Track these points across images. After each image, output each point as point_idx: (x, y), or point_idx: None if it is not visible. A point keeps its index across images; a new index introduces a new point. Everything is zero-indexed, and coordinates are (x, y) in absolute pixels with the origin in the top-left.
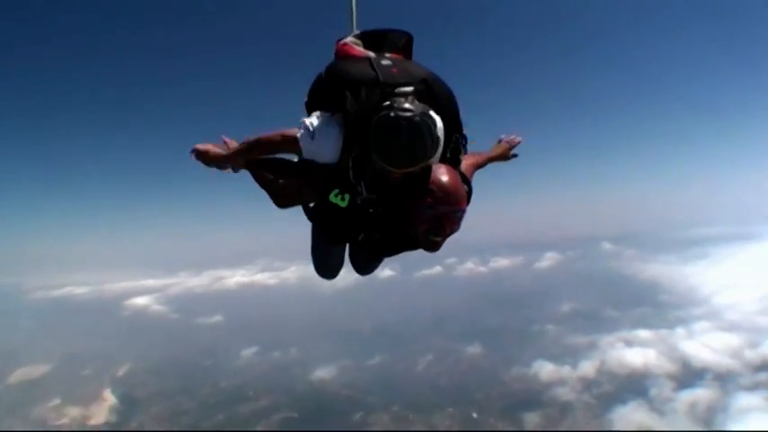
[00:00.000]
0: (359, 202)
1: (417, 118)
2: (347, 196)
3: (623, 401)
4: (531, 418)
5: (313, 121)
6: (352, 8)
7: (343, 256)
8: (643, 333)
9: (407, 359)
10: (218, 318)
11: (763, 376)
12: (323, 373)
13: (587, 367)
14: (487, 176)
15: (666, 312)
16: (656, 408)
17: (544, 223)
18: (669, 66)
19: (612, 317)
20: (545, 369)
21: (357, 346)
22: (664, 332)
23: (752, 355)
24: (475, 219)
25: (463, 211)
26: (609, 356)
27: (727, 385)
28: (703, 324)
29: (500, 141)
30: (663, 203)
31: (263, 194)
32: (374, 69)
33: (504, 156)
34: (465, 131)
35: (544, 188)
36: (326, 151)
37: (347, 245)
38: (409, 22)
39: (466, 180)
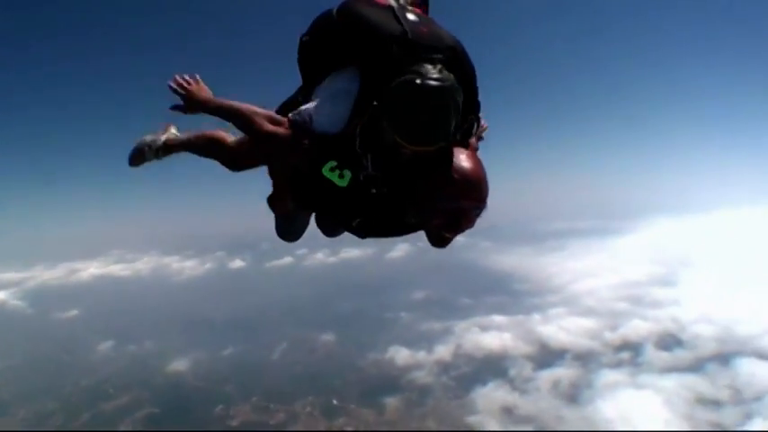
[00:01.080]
0: (361, 179)
1: (448, 91)
2: (347, 173)
3: (483, 382)
4: (392, 402)
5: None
6: None
7: (308, 219)
8: (498, 318)
9: (262, 348)
10: (74, 312)
11: (624, 355)
12: (179, 365)
13: (443, 351)
14: None
15: (522, 300)
16: (518, 387)
17: None
18: (536, 60)
19: (467, 304)
20: (401, 354)
21: (211, 337)
22: (520, 317)
23: (612, 336)
24: None
25: (484, 209)
26: (465, 340)
27: (588, 364)
28: (559, 310)
29: None
30: (519, 198)
31: (117, 183)
32: (400, 23)
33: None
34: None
35: None
36: (336, 116)
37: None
38: None
39: None
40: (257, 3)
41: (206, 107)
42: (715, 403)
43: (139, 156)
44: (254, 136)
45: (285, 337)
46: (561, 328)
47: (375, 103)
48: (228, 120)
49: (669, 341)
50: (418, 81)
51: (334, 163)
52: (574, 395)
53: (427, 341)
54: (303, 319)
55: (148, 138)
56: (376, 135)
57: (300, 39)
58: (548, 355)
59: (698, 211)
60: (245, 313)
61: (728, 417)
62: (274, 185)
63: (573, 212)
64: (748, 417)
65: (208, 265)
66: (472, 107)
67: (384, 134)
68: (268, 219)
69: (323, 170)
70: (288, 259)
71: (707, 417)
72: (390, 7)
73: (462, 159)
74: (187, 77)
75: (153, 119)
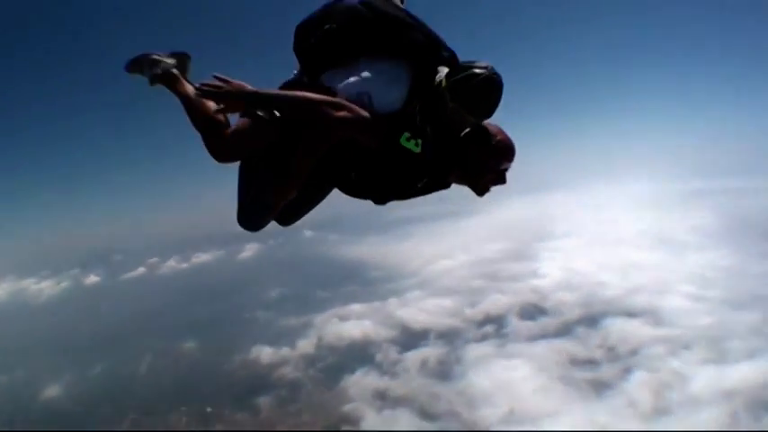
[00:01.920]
0: (427, 147)
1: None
2: (420, 141)
3: (351, 370)
4: (265, 402)
5: (378, 68)
6: None
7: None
8: (356, 307)
9: (128, 364)
10: None
11: (488, 328)
12: (51, 391)
13: (306, 345)
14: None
15: (377, 287)
16: (387, 370)
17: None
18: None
19: (322, 297)
20: (264, 352)
21: (78, 358)
22: (377, 304)
23: (473, 312)
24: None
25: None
26: (326, 332)
27: (454, 341)
28: (417, 293)
29: None
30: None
31: None
32: (422, 25)
33: None
34: None
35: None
36: (394, 97)
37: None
38: None
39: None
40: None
41: (250, 98)
42: (590, 362)
43: (137, 66)
44: (326, 122)
45: (149, 349)
46: (421, 310)
47: (433, 87)
48: (282, 109)
49: (532, 311)
50: (495, 76)
51: (408, 134)
52: (444, 372)
53: (288, 337)
54: (163, 329)
55: (160, 56)
56: (432, 112)
57: (324, 28)
58: (411, 337)
59: (548, 190)
60: (107, 329)
61: (606, 374)
62: (292, 176)
63: (415, 200)
64: (627, 371)
65: (64, 284)
66: None
67: (440, 111)
68: (115, 229)
69: (401, 140)
70: (141, 270)
71: (584, 376)
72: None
73: (498, 129)
74: (222, 76)
75: None
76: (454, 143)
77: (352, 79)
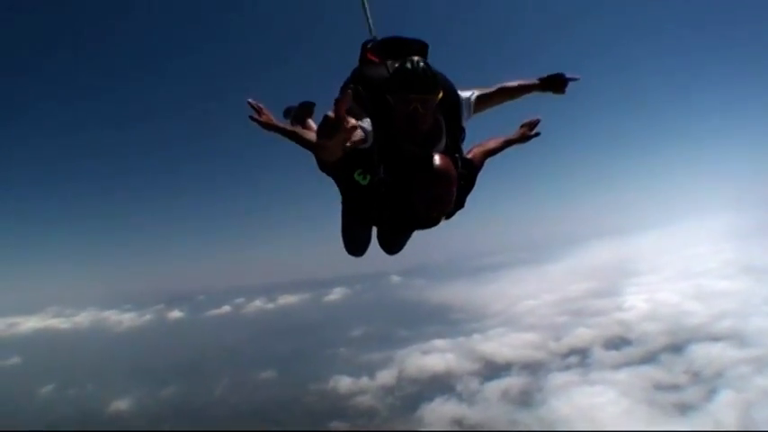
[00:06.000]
0: (375, 181)
1: (422, 61)
2: (368, 176)
3: (429, 399)
4: (340, 427)
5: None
6: (366, 12)
7: (369, 235)
8: (439, 342)
9: (203, 388)
10: (15, 360)
11: (572, 359)
12: (120, 404)
13: (386, 376)
14: None
15: (461, 326)
16: (466, 399)
17: (330, 260)
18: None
19: (406, 335)
20: (343, 383)
21: (151, 380)
22: (461, 339)
23: (557, 345)
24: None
25: (452, 192)
26: (407, 365)
27: (537, 372)
28: (500, 330)
29: (522, 126)
30: (447, 236)
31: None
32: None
33: (524, 137)
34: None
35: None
36: (369, 132)
37: (373, 226)
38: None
39: (468, 164)
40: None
41: (278, 131)
42: (675, 387)
43: (288, 114)
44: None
45: (226, 376)
46: (504, 344)
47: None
48: (295, 140)
49: (617, 342)
50: (408, 64)
51: (360, 170)
52: (525, 400)
53: (369, 369)
54: (243, 360)
55: (295, 109)
56: (389, 151)
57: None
58: (494, 369)
59: (632, 232)
60: (186, 358)
61: (692, 396)
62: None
63: (501, 247)
64: (713, 392)
65: (147, 317)
66: (455, 117)
67: (396, 140)
68: (202, 272)
69: (354, 175)
70: (226, 308)
71: (669, 399)
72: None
73: (435, 159)
74: (257, 106)
75: None
76: (401, 176)
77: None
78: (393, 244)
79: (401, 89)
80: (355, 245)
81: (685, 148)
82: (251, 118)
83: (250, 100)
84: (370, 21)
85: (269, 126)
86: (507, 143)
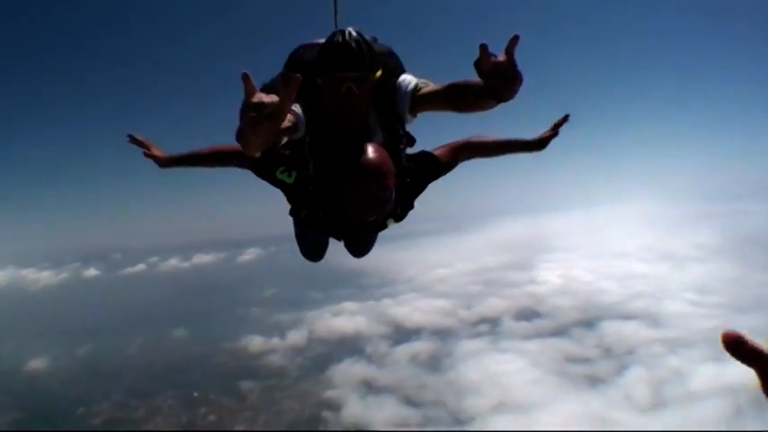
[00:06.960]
0: (301, 178)
1: (356, 31)
2: (294, 173)
3: (339, 360)
4: (250, 387)
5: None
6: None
7: (325, 240)
8: (350, 305)
9: (118, 347)
10: None
11: (482, 328)
12: (36, 363)
13: (296, 336)
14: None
15: (372, 291)
16: (375, 361)
17: (246, 221)
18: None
19: (317, 297)
20: (254, 342)
21: (67, 339)
22: (371, 303)
23: (467, 313)
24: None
25: (388, 189)
26: (317, 326)
27: (447, 338)
28: (412, 295)
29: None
30: None
31: None
32: None
33: (544, 142)
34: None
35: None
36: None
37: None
38: None
39: (426, 158)
40: None
41: (173, 163)
42: (585, 360)
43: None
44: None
45: (139, 336)
46: (415, 309)
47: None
48: (199, 165)
49: (528, 313)
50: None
51: (283, 167)
52: (434, 364)
53: (279, 329)
54: (157, 319)
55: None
56: (322, 143)
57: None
58: (404, 333)
59: (552, 210)
60: (101, 317)
61: (602, 370)
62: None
63: (420, 216)
64: (624, 368)
65: (63, 275)
66: (392, 108)
67: (325, 128)
68: (117, 230)
69: (276, 174)
70: (141, 266)
71: (579, 371)
72: None
73: (367, 151)
74: (141, 140)
75: None
76: (331, 172)
77: None
78: (355, 246)
79: (330, 67)
80: (309, 249)
81: (623, 135)
82: (144, 155)
83: (131, 134)
84: (337, 16)
85: (167, 163)
86: (518, 146)
